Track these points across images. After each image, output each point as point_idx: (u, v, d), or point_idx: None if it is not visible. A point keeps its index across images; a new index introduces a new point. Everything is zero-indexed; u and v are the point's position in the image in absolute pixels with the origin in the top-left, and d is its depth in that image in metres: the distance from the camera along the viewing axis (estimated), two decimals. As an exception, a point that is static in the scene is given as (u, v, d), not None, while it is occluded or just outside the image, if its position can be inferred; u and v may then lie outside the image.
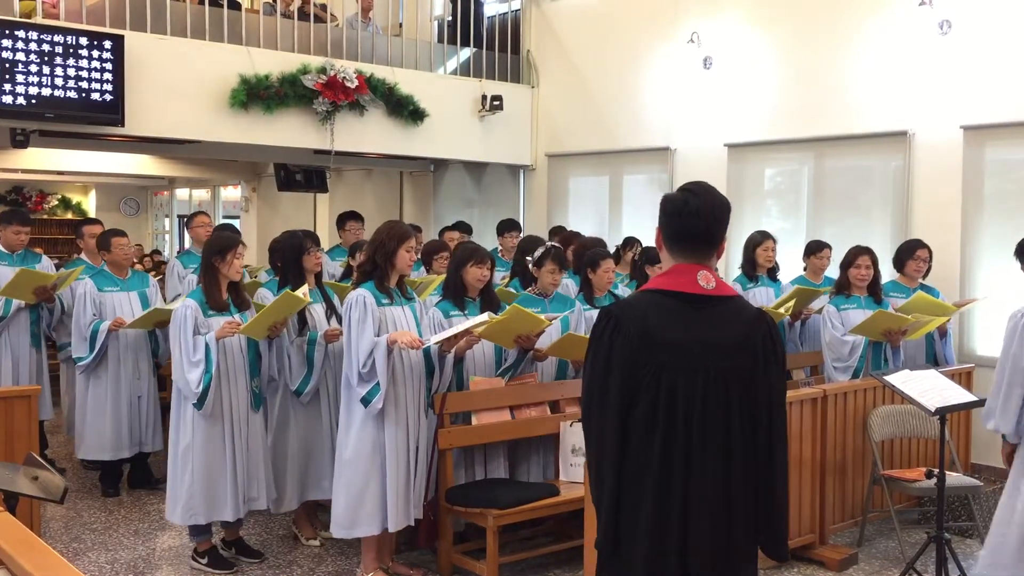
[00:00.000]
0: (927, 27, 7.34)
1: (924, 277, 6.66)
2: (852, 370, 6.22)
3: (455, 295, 5.18)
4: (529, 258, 5.75)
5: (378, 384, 4.64)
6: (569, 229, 8.63)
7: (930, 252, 6.61)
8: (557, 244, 5.89)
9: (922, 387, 4.68)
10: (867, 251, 6.38)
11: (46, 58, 7.17)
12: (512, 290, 6.16)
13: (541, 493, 5.06)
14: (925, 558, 4.82)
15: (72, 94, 7.28)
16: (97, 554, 5.41)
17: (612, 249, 7.51)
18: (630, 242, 7.90)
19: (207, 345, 4.93)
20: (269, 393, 5.45)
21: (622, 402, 2.55)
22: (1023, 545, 3.95)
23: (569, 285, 6.81)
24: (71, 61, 7.25)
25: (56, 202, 16.99)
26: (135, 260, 11.57)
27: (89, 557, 5.35)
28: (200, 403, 4.93)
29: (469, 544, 5.22)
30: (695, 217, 2.62)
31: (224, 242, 5.13)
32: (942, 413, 4.57)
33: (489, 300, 5.23)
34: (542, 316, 5.19)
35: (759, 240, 7.15)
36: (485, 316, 4.93)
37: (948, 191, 7.29)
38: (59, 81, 7.23)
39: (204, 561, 5.19)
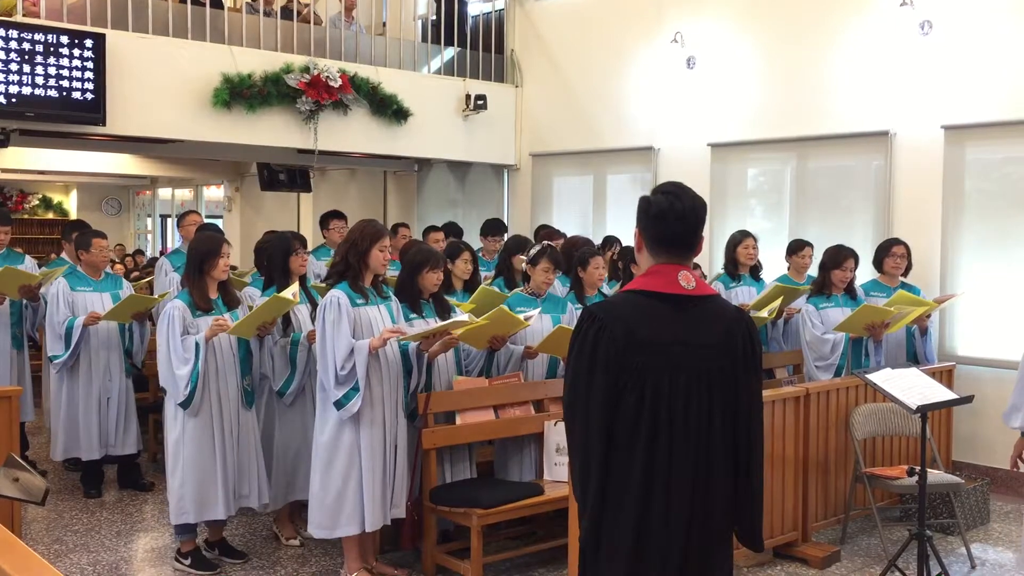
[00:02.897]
0: (909, 27, 7.38)
1: (905, 275, 6.69)
2: (834, 368, 6.25)
3: (410, 299, 5.12)
4: (523, 256, 5.73)
5: (355, 388, 4.62)
6: (553, 227, 8.63)
7: (907, 249, 6.65)
8: (552, 244, 5.89)
9: (903, 385, 4.71)
10: (854, 254, 6.41)
11: (27, 57, 7.11)
12: (496, 289, 6.16)
13: (525, 492, 5.07)
14: (907, 555, 4.85)
15: (53, 93, 7.23)
16: (79, 556, 5.38)
17: (595, 249, 7.52)
18: (609, 241, 7.92)
19: (197, 345, 4.92)
20: (257, 391, 5.44)
21: (606, 402, 2.55)
22: None
23: (556, 285, 6.81)
24: (52, 60, 7.20)
25: (37, 202, 16.87)
26: (116, 260, 11.52)
27: (71, 559, 5.32)
28: (187, 403, 4.93)
29: (453, 544, 5.22)
30: (681, 220, 2.63)
31: (211, 244, 5.12)
32: (923, 411, 4.60)
33: (441, 304, 5.20)
34: (521, 316, 5.20)
35: (739, 239, 7.18)
36: (465, 316, 4.92)
37: (929, 190, 7.34)
38: (40, 80, 7.17)
39: (187, 562, 5.16)
